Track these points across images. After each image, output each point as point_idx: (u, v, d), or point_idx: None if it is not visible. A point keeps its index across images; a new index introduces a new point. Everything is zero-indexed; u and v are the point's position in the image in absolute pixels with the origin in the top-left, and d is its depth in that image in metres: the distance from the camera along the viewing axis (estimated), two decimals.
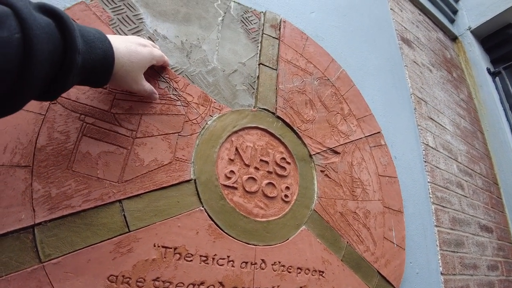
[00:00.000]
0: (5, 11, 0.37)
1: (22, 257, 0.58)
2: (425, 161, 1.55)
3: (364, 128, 1.24)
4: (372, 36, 1.73)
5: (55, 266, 0.60)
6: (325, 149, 1.07)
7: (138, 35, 0.89)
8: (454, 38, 2.88)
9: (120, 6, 0.92)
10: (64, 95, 0.71)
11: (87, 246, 0.63)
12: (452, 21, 2.93)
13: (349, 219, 1.03)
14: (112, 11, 0.90)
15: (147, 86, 0.73)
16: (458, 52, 2.83)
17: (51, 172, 0.65)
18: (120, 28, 0.88)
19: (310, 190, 0.97)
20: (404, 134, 1.51)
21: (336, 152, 1.10)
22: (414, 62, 1.98)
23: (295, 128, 1.02)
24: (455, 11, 2.95)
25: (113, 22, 0.87)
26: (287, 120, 1.02)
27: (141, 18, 0.93)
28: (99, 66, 0.55)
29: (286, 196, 0.91)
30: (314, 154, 1.03)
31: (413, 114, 1.66)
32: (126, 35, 0.87)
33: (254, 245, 0.80)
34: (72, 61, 0.46)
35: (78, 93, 0.73)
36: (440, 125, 1.85)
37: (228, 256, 0.76)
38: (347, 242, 0.99)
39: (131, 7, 0.93)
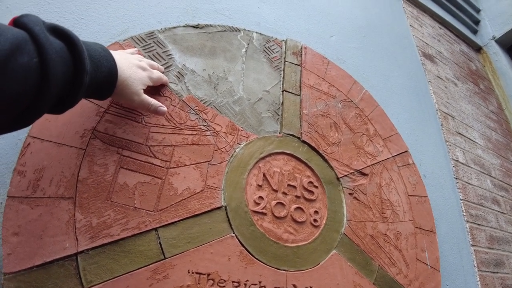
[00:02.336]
0: (24, 37, 0.42)
1: (67, 284, 0.62)
2: (456, 178, 1.51)
3: (391, 148, 1.24)
4: (393, 54, 1.74)
5: None
6: (352, 171, 1.07)
7: (168, 71, 0.95)
8: (478, 49, 2.82)
9: (150, 44, 0.98)
10: (102, 130, 0.77)
11: (126, 273, 0.66)
12: (474, 32, 2.88)
13: (379, 242, 1.02)
14: (143, 49, 0.96)
15: (151, 100, 0.75)
16: (483, 62, 2.77)
17: (92, 203, 0.69)
18: None
19: (339, 213, 0.98)
20: (432, 151, 1.48)
21: (364, 174, 1.10)
22: (438, 77, 1.96)
23: (321, 152, 1.04)
24: (477, 22, 2.91)
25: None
26: (313, 144, 1.03)
27: (170, 54, 0.99)
28: (104, 82, 0.61)
29: (315, 220, 0.92)
30: (341, 177, 1.04)
31: (440, 130, 1.63)
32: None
33: (285, 271, 0.81)
34: (81, 81, 0.50)
35: (115, 128, 0.78)
36: (470, 139, 1.81)
37: (260, 282, 0.77)
38: (379, 265, 0.98)
39: (161, 44, 1.00)
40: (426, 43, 2.12)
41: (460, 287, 1.20)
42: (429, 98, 1.73)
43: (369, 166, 1.13)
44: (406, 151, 1.30)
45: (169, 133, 0.83)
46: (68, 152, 0.72)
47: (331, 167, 1.04)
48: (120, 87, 0.67)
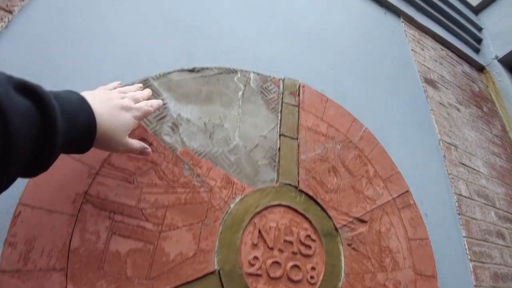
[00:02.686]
0: None
1: None
2: (459, 214, 1.48)
3: (391, 189, 1.22)
4: (395, 82, 1.72)
5: None
6: (351, 219, 1.05)
7: (162, 121, 0.94)
8: (481, 69, 2.80)
9: None
10: (94, 193, 0.75)
11: None
12: (477, 51, 2.86)
13: None
14: None
15: (135, 143, 0.70)
16: (486, 83, 2.74)
17: (84, 273, 0.68)
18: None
19: (337, 267, 0.95)
20: (434, 187, 1.45)
21: (363, 221, 1.08)
22: (440, 103, 1.93)
23: (318, 201, 1.01)
24: (479, 40, 2.88)
25: None
26: (310, 193, 1.01)
27: (165, 104, 0.97)
28: (81, 139, 0.55)
29: (311, 277, 0.89)
30: (340, 227, 1.01)
31: (442, 163, 1.61)
32: (151, 122, 0.92)
33: None
34: (52, 143, 0.46)
35: (107, 190, 0.77)
36: (473, 169, 1.78)
37: None
38: None
39: (155, 92, 0.98)
40: (428, 68, 2.10)
41: None
42: (431, 128, 1.70)
43: (368, 212, 1.10)
44: (407, 191, 1.27)
45: (161, 193, 0.81)
46: (59, 219, 0.71)
47: (329, 216, 1.01)
48: (102, 139, 0.60)
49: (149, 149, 0.76)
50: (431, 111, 1.79)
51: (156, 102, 0.77)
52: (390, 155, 1.32)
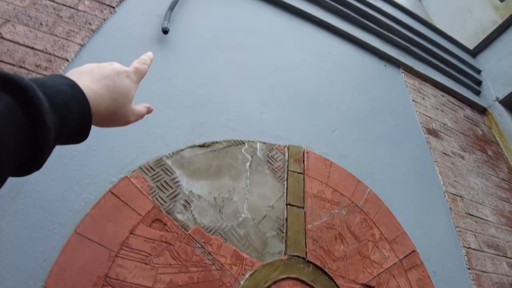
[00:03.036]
0: None
1: None
2: (469, 268, 1.48)
3: (397, 250, 1.24)
4: (397, 138, 1.78)
5: None
6: (358, 286, 1.08)
7: (175, 200, 1.00)
8: (483, 111, 2.85)
9: (158, 172, 1.05)
10: (113, 276, 0.81)
11: None
12: (477, 93, 2.93)
13: None
14: (151, 179, 1.02)
15: (140, 110, 0.62)
16: (489, 124, 2.79)
17: None
18: (159, 196, 0.99)
19: None
20: (441, 243, 1.47)
21: (371, 287, 1.10)
22: (444, 153, 1.98)
23: (326, 270, 1.05)
24: (479, 83, 2.96)
25: (152, 191, 1.00)
26: (318, 263, 1.05)
27: (177, 181, 1.05)
28: (76, 130, 0.49)
29: None
30: None
31: (449, 216, 1.63)
32: (165, 202, 0.99)
33: None
34: (43, 141, 0.40)
35: (125, 272, 0.82)
36: (481, 219, 1.79)
37: None
38: None
39: (168, 171, 1.06)
40: (430, 117, 2.17)
41: None
42: (435, 181, 1.74)
43: (375, 277, 1.13)
44: (414, 251, 1.29)
45: (175, 272, 0.86)
46: None
47: (337, 285, 1.04)
48: (105, 119, 0.54)
49: (151, 107, 0.69)
50: (435, 162, 1.84)
51: (147, 56, 0.65)
52: (395, 214, 1.35)
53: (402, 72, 2.37)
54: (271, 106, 1.46)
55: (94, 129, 1.10)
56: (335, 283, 1.04)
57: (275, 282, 0.96)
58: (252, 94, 1.46)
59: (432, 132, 2.05)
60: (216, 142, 1.20)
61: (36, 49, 1.21)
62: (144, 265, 0.85)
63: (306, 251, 1.06)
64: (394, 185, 1.51)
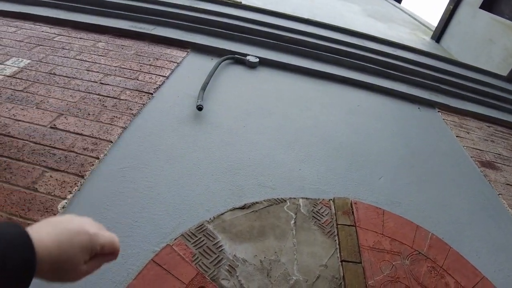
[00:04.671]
0: None
1: None
2: None
3: None
4: (449, 175, 1.64)
5: None
6: None
7: (219, 265, 0.94)
8: None
9: (201, 238, 1.01)
10: None
11: None
12: None
13: None
14: (194, 245, 0.98)
15: (92, 266, 0.52)
16: None
17: None
18: (202, 262, 0.94)
19: None
20: None
21: None
22: (507, 184, 1.78)
23: None
24: None
25: (195, 258, 0.95)
26: None
27: (220, 246, 1.00)
28: (14, 279, 0.42)
29: None
30: None
31: None
32: (209, 268, 0.93)
33: None
34: None
35: None
36: None
37: None
38: None
39: (210, 236, 1.02)
40: (481, 150, 2.01)
41: None
42: (506, 215, 1.54)
43: None
44: None
45: None
46: None
47: None
48: (49, 270, 0.47)
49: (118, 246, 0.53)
50: (500, 195, 1.65)
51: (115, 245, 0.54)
52: (467, 258, 1.18)
53: (438, 111, 2.29)
54: (308, 163, 1.43)
55: (133, 196, 1.11)
56: None
57: None
58: (288, 154, 1.45)
59: (487, 165, 1.88)
60: (257, 203, 1.16)
61: (84, 135, 1.31)
62: None
63: None
64: (458, 226, 1.34)
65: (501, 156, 2.06)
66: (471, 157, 1.89)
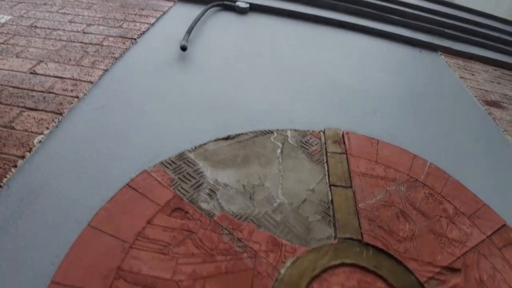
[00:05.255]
0: None
1: None
2: None
3: (481, 225, 0.98)
4: (451, 113, 1.55)
5: None
6: (438, 269, 0.84)
7: (199, 190, 0.89)
8: None
9: (180, 164, 0.96)
10: (127, 268, 0.70)
11: None
12: None
13: None
14: (173, 172, 0.93)
15: None
16: None
17: None
18: (181, 187, 0.89)
19: None
20: None
21: (455, 270, 0.85)
22: None
23: (391, 252, 0.84)
24: None
25: (174, 182, 0.90)
26: (379, 245, 0.84)
27: (201, 172, 0.95)
28: None
29: None
30: (426, 281, 0.80)
31: None
32: (188, 192, 0.88)
33: None
34: None
35: (140, 263, 0.71)
36: None
37: None
38: None
39: (191, 163, 0.97)
40: (486, 90, 1.89)
41: None
42: (511, 150, 1.44)
43: (459, 257, 0.88)
44: (504, 225, 1.01)
45: (199, 263, 0.72)
46: None
47: (409, 270, 0.82)
48: None
49: None
50: (505, 132, 1.54)
51: None
52: (468, 187, 1.10)
53: (440, 55, 2.17)
54: (299, 98, 1.35)
55: (113, 130, 1.07)
56: (405, 267, 0.82)
57: (326, 270, 0.77)
58: (278, 90, 1.38)
59: (492, 104, 1.76)
60: (242, 134, 1.10)
61: (64, 78, 1.26)
62: (162, 256, 0.73)
63: (361, 233, 0.86)
64: (459, 158, 1.26)
65: (507, 96, 1.95)
66: (475, 96, 1.78)
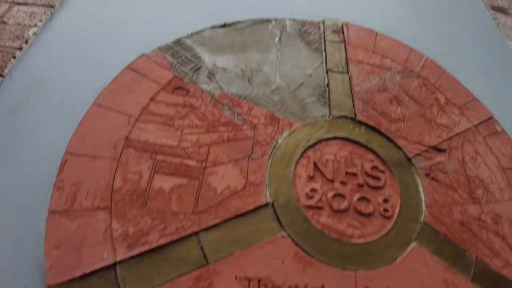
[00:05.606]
0: None
1: None
2: None
3: (470, 116, 1.03)
4: (454, 14, 1.50)
5: None
6: (425, 148, 0.90)
7: (198, 72, 0.91)
8: None
9: (178, 49, 0.96)
10: (134, 138, 0.74)
11: (167, 282, 0.60)
12: None
13: (473, 228, 0.81)
14: (171, 56, 0.94)
15: None
16: None
17: (128, 211, 0.66)
18: (180, 69, 0.91)
19: (416, 199, 0.81)
20: None
21: (441, 150, 0.91)
22: None
23: (382, 131, 0.89)
24: None
25: (173, 65, 0.91)
26: (371, 123, 0.89)
27: (199, 57, 0.95)
28: None
29: (385, 210, 0.76)
30: (413, 157, 0.87)
31: None
32: (187, 74, 0.89)
33: (353, 271, 0.67)
34: None
35: (147, 134, 0.75)
36: None
37: (323, 286, 0.64)
38: (476, 258, 0.77)
39: (189, 48, 0.97)
40: None
41: None
42: (510, 55, 1.44)
43: (445, 140, 0.94)
44: (491, 118, 1.06)
45: (203, 132, 0.77)
46: (102, 164, 0.71)
47: (398, 146, 0.88)
48: None
49: None
50: (507, 37, 1.52)
51: None
52: (462, 82, 1.13)
53: None
54: None
55: (108, 19, 1.05)
56: (395, 144, 0.88)
57: (319, 142, 0.83)
58: None
59: (498, 9, 1.70)
60: (239, 22, 1.08)
61: None
62: (168, 127, 0.77)
63: (355, 112, 0.90)
64: (456, 56, 1.26)
65: None
66: (482, 0, 1.72)
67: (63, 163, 0.70)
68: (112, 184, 0.67)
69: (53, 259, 0.59)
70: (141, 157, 0.71)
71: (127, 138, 0.74)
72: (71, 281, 0.58)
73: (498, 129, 1.03)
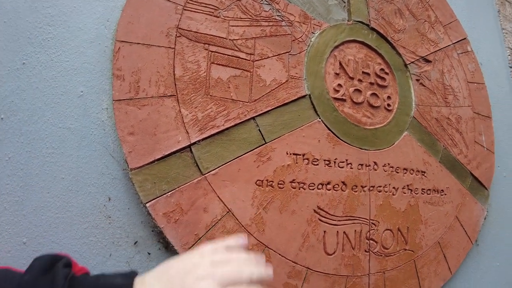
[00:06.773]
0: None
1: (187, 172, 0.69)
2: (511, 67, 1.48)
3: (451, 35, 1.21)
4: None
5: (214, 176, 0.71)
6: (417, 58, 1.07)
7: None
8: None
9: None
10: (185, 27, 0.77)
11: (235, 158, 0.73)
12: None
13: (443, 124, 1.06)
14: None
15: None
16: None
17: (193, 98, 0.73)
18: None
19: (409, 98, 1.01)
20: (488, 39, 1.43)
21: (428, 61, 1.10)
22: None
23: (389, 39, 1.03)
24: None
25: None
26: (381, 31, 1.02)
27: None
28: None
29: (388, 105, 0.95)
30: (409, 64, 1.04)
31: (497, 18, 1.55)
32: None
33: (367, 150, 0.88)
34: None
35: (197, 24, 0.78)
36: None
37: (347, 160, 0.85)
38: (443, 146, 1.04)
39: None
40: None
41: (510, 168, 1.27)
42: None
43: (432, 53, 1.12)
44: (465, 38, 1.26)
45: (247, 25, 0.83)
46: (158, 52, 0.73)
47: (399, 54, 1.03)
48: None
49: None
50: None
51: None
52: (449, 3, 1.28)
53: None
54: None
55: None
56: (397, 51, 1.03)
57: (343, 43, 0.95)
58: None
59: None
60: None
61: None
62: (215, 18, 0.80)
63: (369, 19, 1.01)
64: None
65: None
66: None
67: (117, 51, 0.69)
68: (174, 72, 0.72)
69: (130, 145, 0.65)
70: (195, 46, 0.76)
71: (178, 27, 0.76)
72: (152, 163, 0.66)
73: (469, 49, 1.24)
